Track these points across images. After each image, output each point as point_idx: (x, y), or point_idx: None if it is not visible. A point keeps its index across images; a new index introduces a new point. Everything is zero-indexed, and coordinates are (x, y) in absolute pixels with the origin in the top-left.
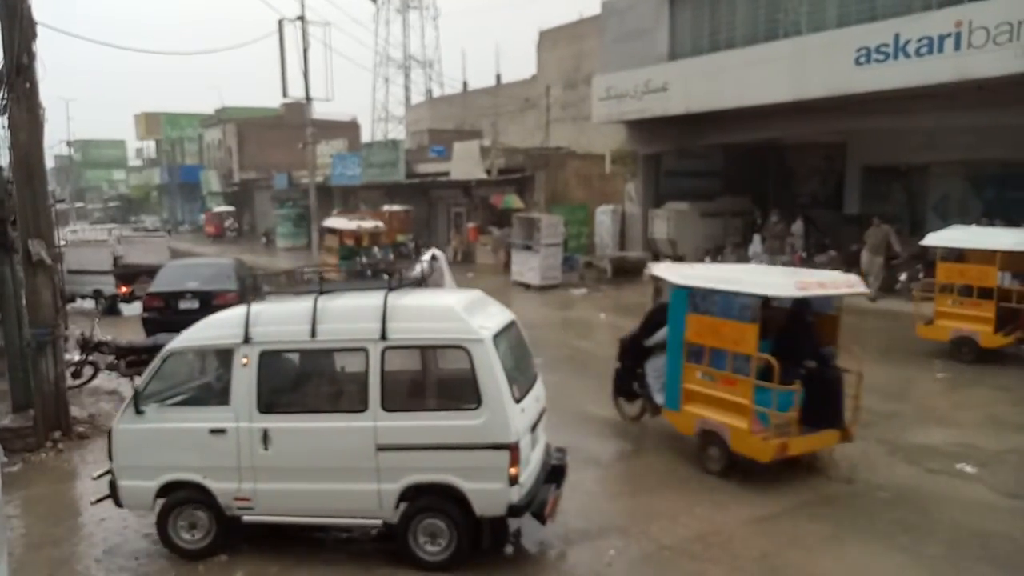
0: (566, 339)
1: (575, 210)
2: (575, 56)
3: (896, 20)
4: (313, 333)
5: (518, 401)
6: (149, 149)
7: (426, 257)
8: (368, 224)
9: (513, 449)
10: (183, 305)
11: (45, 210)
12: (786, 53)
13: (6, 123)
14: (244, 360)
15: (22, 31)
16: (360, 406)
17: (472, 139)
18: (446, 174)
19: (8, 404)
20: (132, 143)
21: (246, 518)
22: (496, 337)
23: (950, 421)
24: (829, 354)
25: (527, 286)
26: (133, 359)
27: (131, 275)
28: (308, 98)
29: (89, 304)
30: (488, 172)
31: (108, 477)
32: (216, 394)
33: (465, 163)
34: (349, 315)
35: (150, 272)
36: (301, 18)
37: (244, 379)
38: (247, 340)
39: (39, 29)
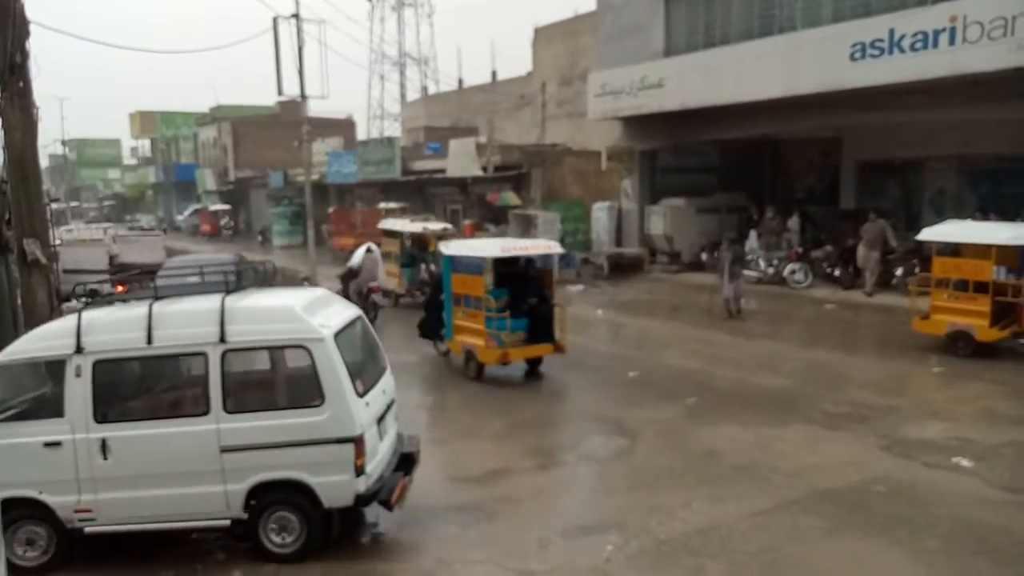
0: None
1: (572, 207)
2: (571, 53)
3: (891, 15)
4: (149, 340)
5: (362, 395)
6: (144, 148)
7: (361, 249)
8: (435, 226)
9: (358, 442)
10: None
11: (40, 210)
12: (781, 49)
13: (0, 123)
14: (77, 370)
15: (15, 29)
16: (202, 409)
17: (468, 136)
18: (442, 171)
19: None
20: (127, 142)
21: (88, 530)
22: (338, 335)
23: (946, 415)
24: (547, 296)
25: None
26: None
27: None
28: (303, 96)
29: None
30: (484, 169)
31: None
32: (49, 406)
33: (461, 160)
34: (186, 320)
35: (146, 271)
36: (296, 16)
37: (78, 390)
38: (79, 350)
39: (32, 27)
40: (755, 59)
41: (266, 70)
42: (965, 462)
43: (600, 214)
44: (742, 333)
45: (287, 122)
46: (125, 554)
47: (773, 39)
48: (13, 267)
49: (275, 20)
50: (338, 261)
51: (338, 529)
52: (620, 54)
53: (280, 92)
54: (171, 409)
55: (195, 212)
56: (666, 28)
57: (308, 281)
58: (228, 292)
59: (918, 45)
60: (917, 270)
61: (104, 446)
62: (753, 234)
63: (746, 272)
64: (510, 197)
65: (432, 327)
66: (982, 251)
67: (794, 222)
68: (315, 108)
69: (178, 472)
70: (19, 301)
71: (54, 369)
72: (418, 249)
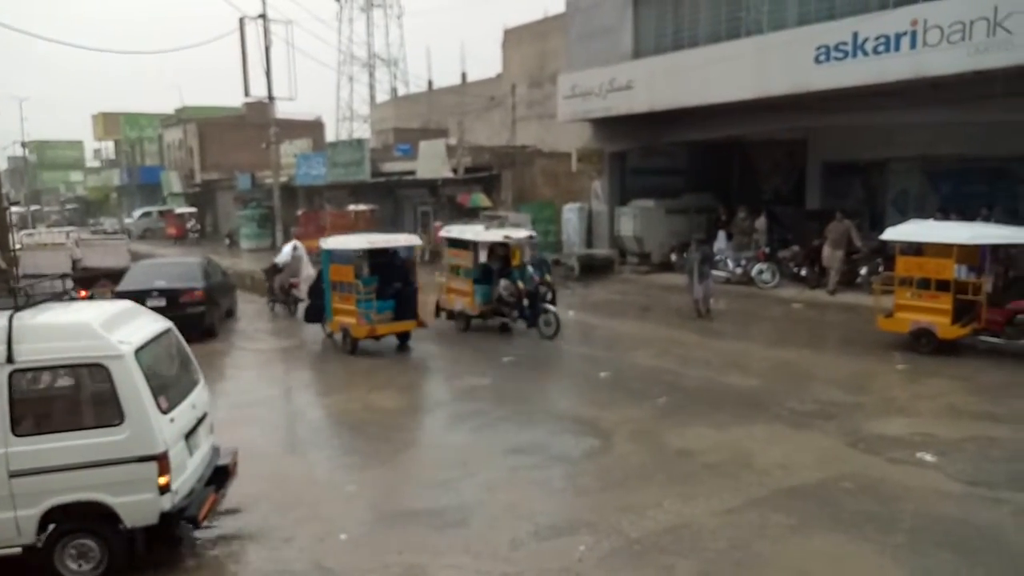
0: (535, 337)
1: (542, 208)
2: (540, 54)
3: (854, 19)
4: None
5: (167, 411)
6: (108, 150)
7: (288, 247)
8: (520, 233)
9: (161, 459)
10: (150, 303)
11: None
12: (748, 51)
13: None
14: None
15: None
16: None
17: (438, 138)
18: (412, 173)
19: None
20: (90, 144)
21: None
22: (140, 350)
23: (910, 411)
24: (411, 280)
25: None
26: None
27: (90, 278)
28: (271, 97)
29: None
30: (455, 171)
31: None
32: None
33: (431, 162)
34: None
35: (110, 275)
36: (263, 16)
37: None
38: None
39: None
40: (722, 61)
41: (233, 71)
42: (928, 457)
43: (570, 215)
44: (711, 333)
45: (254, 124)
46: None
47: (740, 42)
48: None
49: (241, 20)
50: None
51: (143, 549)
52: (589, 56)
53: (247, 93)
54: None
55: (145, 215)
56: (635, 30)
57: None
58: (17, 308)
59: (880, 48)
60: (881, 269)
61: None
62: (721, 234)
63: (714, 272)
64: (480, 199)
65: (317, 312)
66: (944, 250)
67: (761, 223)
68: (283, 109)
69: None
70: None
71: None
72: (495, 260)
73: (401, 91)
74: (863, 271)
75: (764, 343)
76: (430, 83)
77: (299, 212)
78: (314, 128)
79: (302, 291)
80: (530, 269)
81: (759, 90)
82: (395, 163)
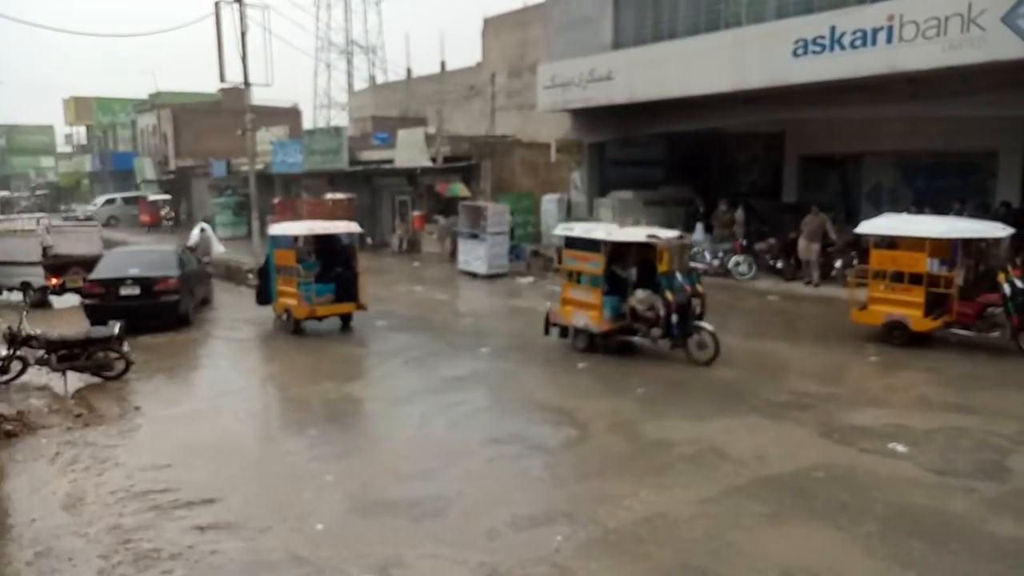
0: (513, 327)
1: (521, 198)
2: (520, 44)
3: (832, 13)
4: None
5: None
6: (79, 135)
7: (197, 228)
8: (667, 232)
9: None
10: (124, 291)
11: None
12: (727, 44)
13: None
14: None
15: None
16: None
17: (417, 126)
18: (390, 162)
19: None
20: (61, 129)
21: None
22: None
23: (882, 402)
24: (352, 265)
25: (474, 275)
26: (65, 353)
27: (62, 266)
28: (247, 83)
29: (17, 297)
30: (433, 160)
31: None
32: None
33: (410, 151)
34: None
35: (82, 263)
36: (239, 1)
37: None
38: None
39: None
40: (702, 54)
41: (208, 56)
42: (900, 447)
43: (550, 206)
44: None
45: (230, 110)
46: None
47: (719, 34)
48: None
49: (217, 5)
50: None
51: None
52: (569, 46)
53: (222, 79)
54: None
55: (109, 202)
56: (615, 21)
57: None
58: None
59: (857, 43)
60: (855, 262)
61: None
62: (699, 226)
63: (692, 264)
64: (459, 188)
65: (267, 294)
66: (917, 244)
67: (739, 215)
68: (259, 96)
69: None
70: None
71: None
72: (628, 265)
73: (379, 79)
74: (838, 264)
75: (740, 335)
76: (409, 71)
77: (275, 200)
78: (291, 115)
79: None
80: (679, 277)
81: (737, 83)
82: (373, 152)
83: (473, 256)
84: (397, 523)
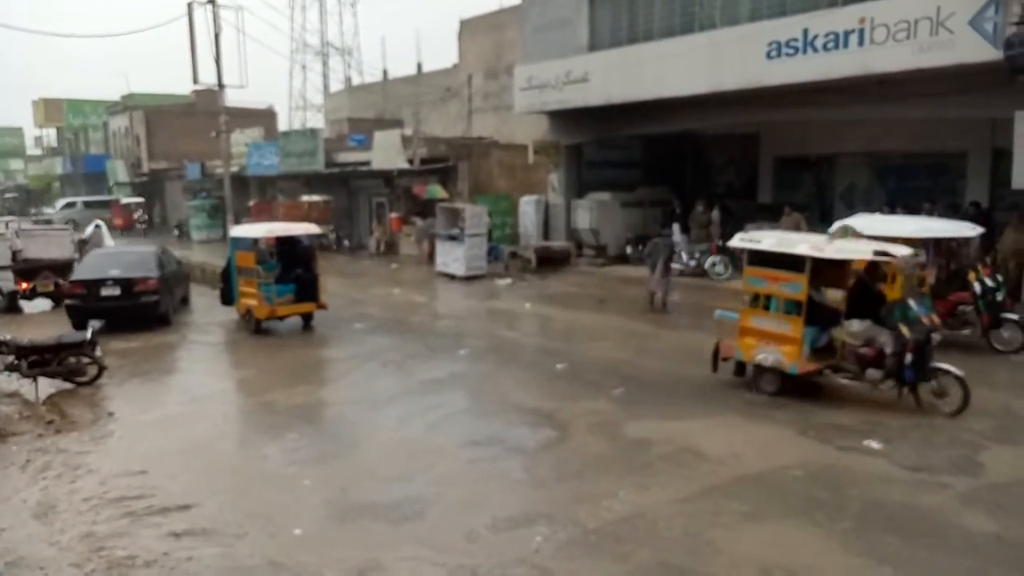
0: (492, 329)
1: (499, 200)
2: (496, 45)
3: (804, 15)
4: None
5: None
6: (50, 137)
7: (91, 227)
8: (904, 250)
9: None
10: (105, 292)
11: None
12: (701, 46)
13: None
14: None
15: None
16: None
17: (393, 128)
18: (367, 163)
19: None
20: (31, 131)
21: None
22: None
23: (858, 400)
24: (312, 267)
25: (452, 277)
26: (35, 359)
27: (32, 270)
28: (221, 85)
29: None
30: (410, 162)
31: None
32: None
33: (386, 152)
34: None
35: (53, 267)
36: (212, 2)
37: None
38: None
39: None
40: (677, 56)
41: (181, 57)
42: (875, 444)
43: (527, 208)
44: (667, 324)
45: (204, 112)
46: None
47: (693, 36)
48: None
49: (190, 6)
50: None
51: None
52: (545, 48)
53: (196, 80)
54: None
55: (69, 206)
56: (590, 23)
57: None
58: None
59: (830, 45)
60: None
61: None
62: (676, 227)
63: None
64: (437, 190)
65: (230, 295)
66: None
67: (715, 216)
68: (234, 98)
69: None
70: None
71: None
72: (831, 286)
73: (355, 80)
74: None
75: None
76: (385, 73)
77: (251, 203)
78: (266, 117)
79: None
80: (913, 305)
81: (712, 84)
82: (350, 153)
83: (451, 258)
84: (375, 526)
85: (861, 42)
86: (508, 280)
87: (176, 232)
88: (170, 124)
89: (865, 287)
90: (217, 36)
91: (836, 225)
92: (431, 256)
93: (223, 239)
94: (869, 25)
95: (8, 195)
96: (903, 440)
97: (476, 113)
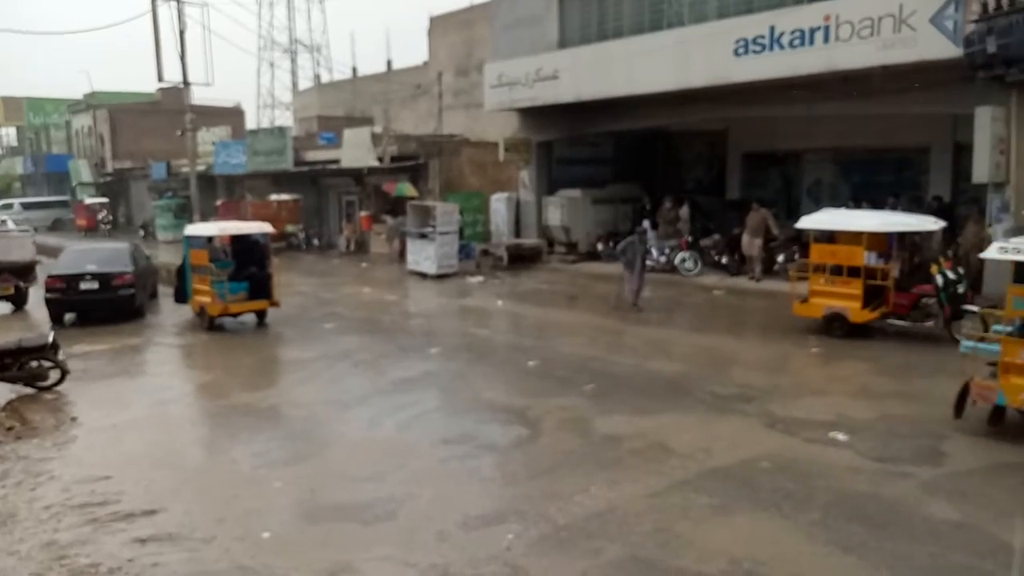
0: (463, 327)
1: (470, 198)
2: (466, 42)
3: (771, 13)
4: None
5: None
6: (9, 136)
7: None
8: None
9: None
10: (84, 286)
11: None
12: (670, 43)
13: None
14: None
15: None
16: None
17: (363, 126)
18: (336, 162)
19: None
20: None
21: None
22: None
23: (824, 393)
24: (266, 264)
25: (423, 275)
26: None
27: None
28: (186, 82)
29: None
30: (380, 159)
31: None
32: None
33: (356, 150)
34: None
35: (13, 270)
36: None
37: None
38: None
39: None
40: (646, 53)
41: (146, 55)
42: (841, 436)
43: (499, 205)
44: (637, 320)
45: (170, 110)
46: None
47: (662, 34)
48: None
49: (153, 2)
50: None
51: None
52: (516, 45)
53: (160, 78)
54: None
55: (5, 207)
56: (560, 20)
57: None
58: None
59: (796, 42)
60: (797, 256)
61: None
62: (646, 223)
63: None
64: (407, 188)
65: (184, 293)
66: (854, 238)
67: (684, 212)
68: (200, 96)
69: None
70: None
71: None
72: None
73: (324, 78)
74: (780, 259)
75: (687, 329)
76: (354, 70)
77: (218, 202)
78: (233, 115)
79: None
80: None
81: (681, 82)
82: (319, 152)
83: (422, 256)
84: (346, 527)
85: (826, 39)
86: (480, 278)
87: (142, 232)
88: (135, 123)
89: None
90: (182, 33)
91: None
92: (402, 255)
93: None
94: (834, 22)
95: None
96: (868, 431)
97: (447, 110)
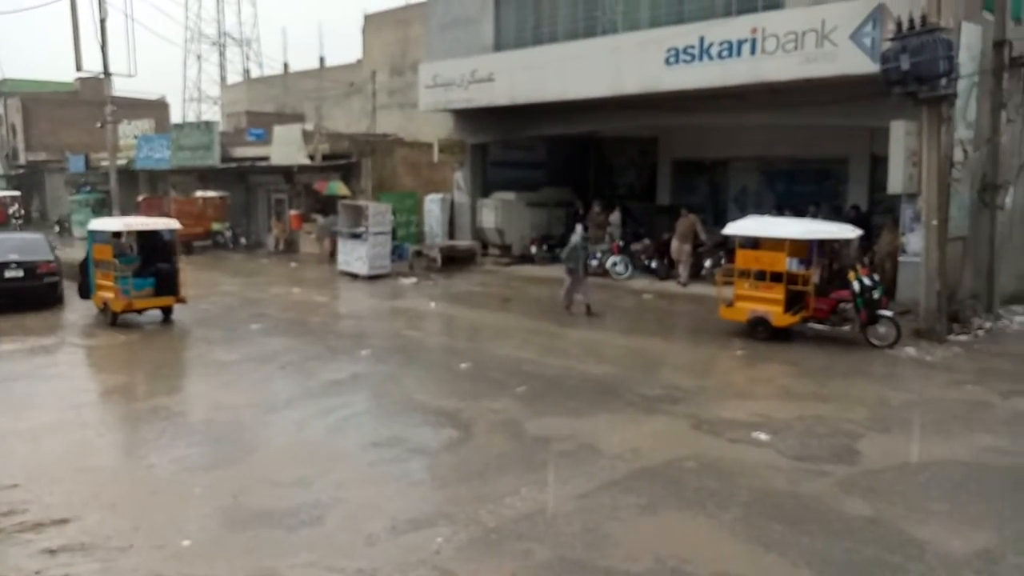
0: (395, 329)
1: (403, 198)
2: (401, 42)
3: (701, 23)
4: None
5: None
6: None
7: None
8: None
9: None
10: (8, 274)
11: None
12: (604, 50)
13: None
14: None
15: None
16: None
17: (294, 123)
18: (266, 159)
19: None
20: None
21: None
22: None
23: (748, 394)
24: (172, 260)
25: (354, 276)
26: None
27: None
28: (107, 73)
29: None
30: (311, 157)
31: None
32: None
33: (286, 148)
34: None
35: None
36: None
37: None
38: None
39: None
40: (579, 59)
41: (64, 42)
42: (763, 436)
43: (432, 206)
44: (569, 323)
45: (89, 101)
46: None
47: (596, 40)
48: None
49: None
50: None
51: None
52: (451, 46)
53: (79, 68)
54: None
55: None
56: (496, 22)
57: None
58: None
59: (724, 53)
60: (723, 262)
61: None
62: (579, 228)
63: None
64: (339, 187)
65: (88, 288)
66: (777, 244)
67: (616, 217)
68: (122, 87)
69: None
70: None
71: None
72: None
73: (254, 73)
74: (707, 263)
75: (618, 332)
76: (286, 65)
77: (140, 198)
78: (157, 108)
79: None
80: None
81: (614, 88)
82: (247, 148)
83: (354, 256)
84: (271, 534)
85: (753, 51)
86: (413, 279)
87: (57, 228)
88: (51, 113)
89: None
90: (103, 22)
91: None
92: (333, 255)
93: None
94: (761, 35)
95: None
96: (788, 431)
97: (381, 110)
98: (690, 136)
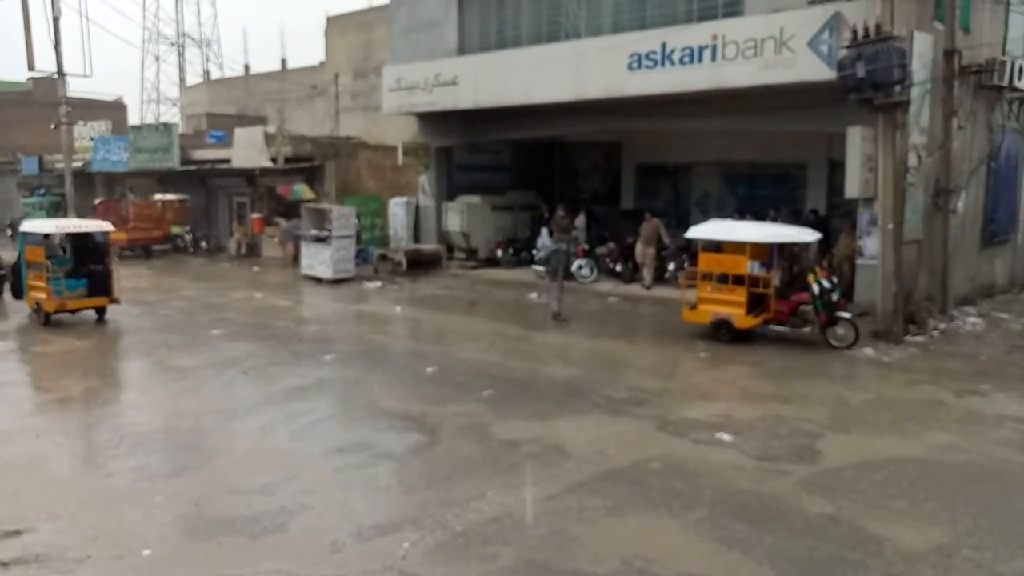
0: (360, 333)
1: (368, 201)
2: (365, 44)
3: (663, 30)
4: None
5: None
6: None
7: None
8: None
9: None
10: None
11: None
12: (567, 55)
13: None
14: None
15: None
16: None
17: (256, 125)
18: (227, 161)
19: None
20: None
21: None
22: None
23: (711, 395)
24: (106, 262)
25: (318, 280)
26: None
27: None
28: (61, 73)
29: None
30: (274, 160)
31: None
32: None
33: (248, 150)
34: None
35: None
36: None
37: None
38: None
39: None
40: (543, 63)
41: (15, 40)
42: (726, 437)
43: (397, 210)
44: (535, 327)
45: (43, 102)
46: None
47: (559, 45)
48: None
49: None
50: None
51: None
52: (414, 49)
53: (31, 67)
54: None
55: None
56: (459, 26)
57: None
58: None
59: (686, 59)
60: (686, 265)
61: None
62: (544, 231)
63: (538, 268)
64: (303, 190)
65: (21, 289)
66: (739, 248)
67: (581, 220)
68: (78, 88)
69: None
70: None
71: None
72: None
73: (215, 74)
74: (671, 267)
75: (583, 335)
76: (247, 67)
77: (96, 201)
78: (115, 110)
79: None
80: None
81: (577, 93)
82: (208, 150)
83: (317, 260)
84: (234, 542)
85: (714, 57)
86: (377, 283)
87: (9, 232)
88: (2, 113)
89: None
90: (56, 20)
91: None
92: (296, 258)
93: None
94: (721, 42)
95: None
96: (750, 431)
97: (344, 112)
98: (653, 141)
